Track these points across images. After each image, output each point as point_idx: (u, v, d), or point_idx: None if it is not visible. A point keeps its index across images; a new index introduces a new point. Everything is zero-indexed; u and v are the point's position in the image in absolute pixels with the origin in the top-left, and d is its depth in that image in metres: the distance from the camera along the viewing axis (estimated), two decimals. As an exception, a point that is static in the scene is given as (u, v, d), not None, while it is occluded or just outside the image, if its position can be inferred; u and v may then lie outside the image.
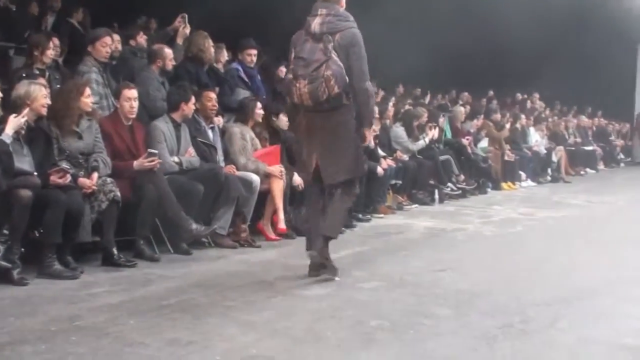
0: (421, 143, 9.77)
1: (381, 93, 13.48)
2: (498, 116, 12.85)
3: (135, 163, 5.56)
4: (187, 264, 5.47)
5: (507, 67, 16.85)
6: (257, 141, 6.85)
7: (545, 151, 14.13)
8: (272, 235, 6.60)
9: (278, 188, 6.61)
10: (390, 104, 10.07)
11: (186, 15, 7.33)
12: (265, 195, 6.63)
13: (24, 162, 4.80)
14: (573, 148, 15.93)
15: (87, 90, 5.44)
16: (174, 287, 4.67)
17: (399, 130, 9.65)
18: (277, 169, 6.64)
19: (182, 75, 6.82)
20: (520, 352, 3.48)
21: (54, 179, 4.84)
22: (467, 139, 11.27)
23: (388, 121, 9.94)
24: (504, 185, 11.99)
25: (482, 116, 12.35)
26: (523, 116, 14.09)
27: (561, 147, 14.89)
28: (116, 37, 7.22)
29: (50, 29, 9.34)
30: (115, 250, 5.25)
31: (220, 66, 7.67)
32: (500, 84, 17.17)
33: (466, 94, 15.32)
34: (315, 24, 4.85)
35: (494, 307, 4.26)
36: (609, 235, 7.45)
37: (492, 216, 8.64)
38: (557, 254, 6.23)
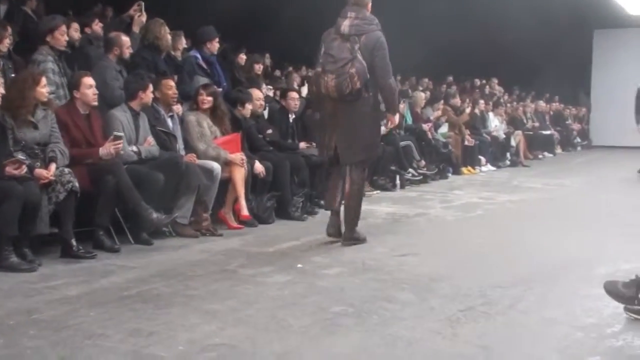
0: (381, 129, 9.77)
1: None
2: (458, 101, 12.95)
3: (102, 149, 5.47)
4: (148, 254, 5.40)
5: (466, 54, 17.00)
6: (215, 129, 6.79)
7: (504, 136, 14.30)
8: (234, 224, 6.56)
9: (239, 176, 6.57)
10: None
11: (142, 3, 7.22)
12: (226, 184, 6.59)
13: (-22, 153, 4.69)
14: (531, 132, 16.15)
15: (43, 80, 5.29)
16: (135, 278, 4.62)
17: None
18: (239, 156, 6.59)
19: (139, 63, 6.71)
20: (483, 335, 3.51)
21: (10, 170, 4.73)
22: (428, 125, 11.34)
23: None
24: (464, 170, 12.10)
25: (442, 102, 12.43)
26: (482, 101, 14.22)
27: (519, 132, 15.09)
28: (75, 25, 7.09)
29: (3, 17, 9.11)
30: (74, 242, 5.15)
31: (178, 54, 7.57)
32: (459, 70, 17.32)
33: (426, 79, 15.39)
34: (345, 25, 5.53)
35: (457, 290, 4.30)
36: (568, 217, 7.57)
37: (453, 201, 8.72)
38: (518, 237, 6.32)
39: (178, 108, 6.72)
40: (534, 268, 4.93)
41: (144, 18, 7.17)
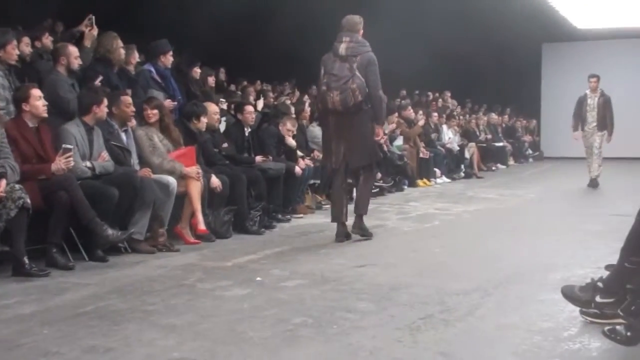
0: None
1: (297, 94, 13.48)
2: (411, 113, 13.06)
3: (53, 165, 5.34)
4: (104, 270, 5.30)
5: (419, 68, 17.19)
6: (167, 142, 6.72)
7: (458, 148, 14.50)
8: (191, 239, 6.49)
9: (195, 190, 6.51)
10: (307, 104, 10.07)
11: (93, 17, 7.11)
12: (182, 199, 6.52)
13: None
14: (484, 144, 16.40)
15: (-7, 96, 5.19)
16: (90, 295, 4.52)
17: (315, 130, 9.67)
18: (194, 170, 6.53)
19: (92, 77, 6.60)
20: (442, 341, 3.52)
21: (-42, 187, 4.61)
22: (383, 138, 11.39)
23: (305, 121, 9.96)
24: (419, 182, 12.22)
25: (395, 114, 12.53)
26: (435, 114, 14.39)
27: (473, 144, 15.31)
28: (26, 39, 6.96)
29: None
30: (26, 260, 5.01)
31: (131, 68, 7.48)
32: (412, 84, 17.48)
33: (380, 93, 15.46)
34: (342, 48, 6.35)
35: (415, 298, 4.32)
36: (522, 226, 7.69)
37: (409, 212, 8.78)
38: (474, 246, 6.40)
39: (132, 122, 6.64)
40: (490, 275, 4.98)
41: (95, 32, 7.06)
